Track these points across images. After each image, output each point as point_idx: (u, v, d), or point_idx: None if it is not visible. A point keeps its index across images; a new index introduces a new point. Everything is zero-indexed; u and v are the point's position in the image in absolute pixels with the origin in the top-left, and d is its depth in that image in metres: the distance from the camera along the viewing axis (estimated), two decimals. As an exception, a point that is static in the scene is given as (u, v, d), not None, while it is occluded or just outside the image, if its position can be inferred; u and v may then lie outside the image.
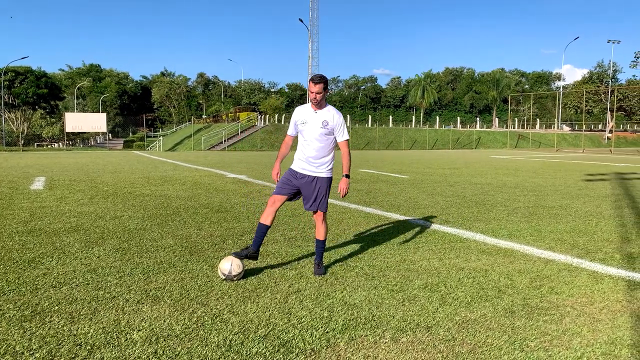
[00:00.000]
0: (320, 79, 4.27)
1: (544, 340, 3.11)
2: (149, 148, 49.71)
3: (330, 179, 4.54)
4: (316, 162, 4.44)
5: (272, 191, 4.56)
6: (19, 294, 3.82)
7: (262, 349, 2.95)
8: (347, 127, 4.59)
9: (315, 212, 4.53)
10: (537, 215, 7.69)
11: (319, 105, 4.36)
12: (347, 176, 4.50)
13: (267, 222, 4.42)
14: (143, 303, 3.65)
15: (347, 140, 4.51)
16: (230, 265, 4.18)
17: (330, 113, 4.39)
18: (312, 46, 46.56)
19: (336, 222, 6.88)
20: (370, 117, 71.85)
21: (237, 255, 4.30)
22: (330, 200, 8.99)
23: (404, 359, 2.85)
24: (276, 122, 57.28)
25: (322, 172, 4.47)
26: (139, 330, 3.16)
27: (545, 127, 77.74)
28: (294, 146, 4.70)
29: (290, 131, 4.57)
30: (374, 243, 5.68)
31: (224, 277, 4.20)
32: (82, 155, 29.90)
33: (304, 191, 4.49)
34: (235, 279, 4.19)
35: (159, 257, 4.94)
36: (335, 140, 4.49)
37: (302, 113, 4.46)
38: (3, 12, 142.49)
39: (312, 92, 4.28)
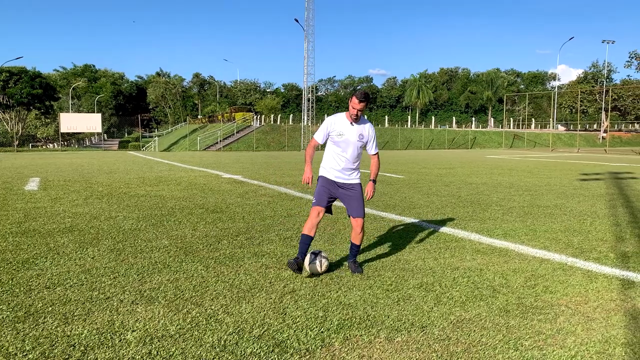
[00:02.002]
0: (365, 98, 4.37)
1: (538, 339, 3.11)
2: (144, 148, 49.58)
3: (361, 185, 4.66)
4: (350, 172, 4.59)
5: (313, 202, 4.58)
6: (13, 295, 3.80)
7: (257, 349, 2.94)
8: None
9: (355, 218, 4.60)
10: (532, 214, 7.71)
11: (357, 119, 4.49)
12: (374, 181, 4.72)
13: (312, 234, 4.52)
14: (137, 304, 3.64)
15: (378, 152, 4.73)
16: (319, 265, 4.36)
17: (366, 127, 4.57)
18: (307, 46, 46.51)
19: (331, 222, 6.88)
20: (366, 117, 71.81)
21: (296, 265, 4.39)
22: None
23: (399, 359, 2.85)
24: (272, 123, 57.24)
25: (356, 180, 4.63)
26: (133, 331, 3.15)
27: (541, 127, 78.00)
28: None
29: (321, 139, 4.61)
30: (370, 243, 5.68)
31: (321, 270, 4.37)
32: (77, 155, 29.79)
33: (347, 199, 4.58)
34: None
35: (153, 258, 4.93)
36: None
37: (339, 124, 4.53)
38: (3, 12, 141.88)
39: (355, 109, 4.38)
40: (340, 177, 4.57)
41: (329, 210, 4.65)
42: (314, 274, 4.37)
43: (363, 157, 4.70)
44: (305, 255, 4.45)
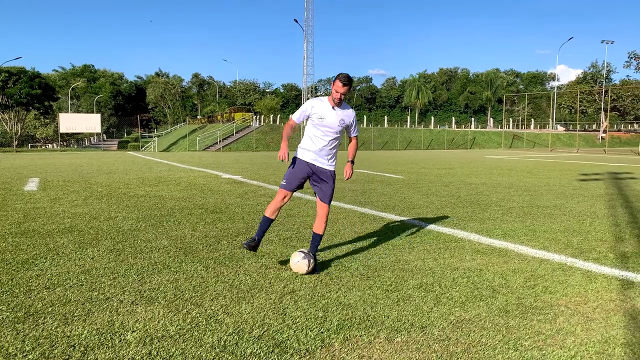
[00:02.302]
0: (349, 81, 4.38)
1: (538, 340, 3.12)
2: (143, 149, 49.55)
3: (335, 172, 4.68)
4: (328, 156, 4.60)
5: (281, 184, 4.62)
6: (12, 296, 3.80)
7: (257, 349, 2.94)
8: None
9: (323, 202, 4.62)
10: (532, 215, 7.71)
11: (340, 103, 4.50)
12: (352, 162, 4.75)
13: (273, 217, 4.59)
14: (137, 304, 3.64)
15: (357, 135, 4.78)
16: (303, 260, 4.36)
17: (348, 111, 4.58)
18: (307, 46, 46.57)
19: (331, 223, 6.88)
20: (365, 117, 71.98)
21: (249, 246, 4.50)
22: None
23: (399, 359, 2.85)
24: (271, 123, 57.23)
25: (331, 166, 4.64)
26: (133, 332, 3.15)
27: (540, 127, 78.08)
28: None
29: (299, 118, 4.58)
30: (369, 243, 5.68)
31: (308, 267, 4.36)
32: (77, 156, 29.77)
33: (319, 183, 4.59)
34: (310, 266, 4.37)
35: (153, 258, 4.92)
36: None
37: (320, 107, 4.51)
38: (2, 12, 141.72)
39: (338, 92, 4.38)
40: (317, 161, 4.57)
41: (296, 190, 4.68)
42: (296, 271, 4.41)
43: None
44: (263, 236, 4.58)
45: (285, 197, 4.58)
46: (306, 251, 4.48)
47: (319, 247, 5.04)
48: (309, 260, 4.37)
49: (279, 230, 6.35)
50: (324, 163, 4.59)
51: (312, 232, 4.74)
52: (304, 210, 7.96)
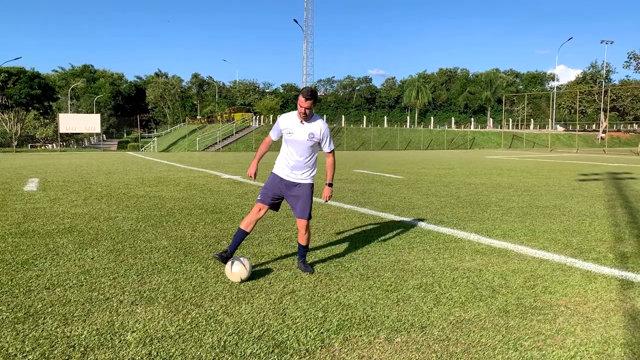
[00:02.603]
0: (311, 95, 4.28)
1: (537, 340, 3.12)
2: (143, 149, 49.55)
3: (312, 185, 4.61)
4: (302, 170, 4.53)
5: (257, 198, 4.61)
6: (12, 296, 3.80)
7: (257, 349, 2.94)
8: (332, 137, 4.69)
9: (299, 219, 4.56)
10: (531, 215, 7.72)
11: (307, 118, 4.40)
12: (330, 185, 4.68)
13: (248, 230, 4.53)
14: (137, 304, 3.64)
15: (333, 150, 4.63)
16: (239, 266, 4.20)
17: (318, 125, 4.46)
18: (306, 47, 46.56)
19: (331, 223, 6.88)
20: (365, 117, 71.98)
21: (221, 258, 4.40)
22: (323, 201, 9.00)
23: (399, 359, 2.85)
24: (271, 123, 57.21)
25: (306, 180, 4.56)
26: (133, 332, 3.15)
27: (540, 128, 78.10)
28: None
29: (274, 136, 4.61)
30: (369, 243, 5.68)
31: (246, 274, 4.21)
32: (76, 156, 29.76)
33: (292, 199, 4.56)
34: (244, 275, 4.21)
35: (153, 258, 4.93)
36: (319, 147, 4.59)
37: (289, 122, 4.48)
38: (2, 12, 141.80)
39: (302, 107, 4.30)
40: (290, 177, 4.54)
41: (275, 207, 4.67)
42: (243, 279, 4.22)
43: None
44: (235, 249, 4.51)
45: (260, 209, 4.54)
46: (241, 259, 4.28)
47: (311, 251, 5.04)
48: (243, 263, 4.20)
49: (279, 230, 6.35)
50: (297, 177, 4.52)
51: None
52: (304, 210, 7.96)
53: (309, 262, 4.79)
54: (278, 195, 4.59)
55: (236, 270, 4.17)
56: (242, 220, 4.57)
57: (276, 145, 4.76)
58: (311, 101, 4.28)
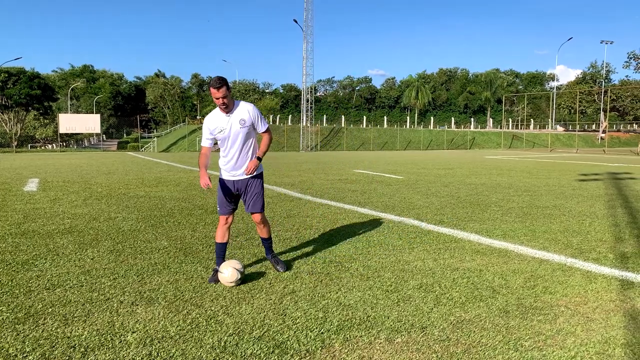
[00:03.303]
0: (220, 83, 4.01)
1: (538, 340, 3.12)
2: (143, 149, 49.55)
3: (261, 174, 4.52)
4: (245, 165, 4.37)
5: (218, 210, 4.46)
6: (12, 296, 3.80)
7: (257, 350, 2.94)
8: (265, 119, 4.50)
9: (253, 214, 4.49)
10: (531, 215, 7.72)
11: (228, 107, 4.17)
12: (259, 159, 4.40)
13: (225, 240, 4.43)
14: (137, 305, 3.64)
15: (268, 128, 4.45)
16: (233, 269, 4.10)
17: (244, 109, 4.27)
18: (306, 47, 46.49)
19: (331, 223, 6.88)
20: (364, 117, 72.02)
21: (214, 279, 4.22)
22: (325, 201, 9.02)
23: (399, 359, 2.85)
24: (271, 123, 57.24)
25: (255, 173, 4.44)
26: (133, 332, 3.15)
27: (539, 128, 78.16)
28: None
29: (207, 142, 4.33)
30: (369, 244, 5.68)
31: (239, 276, 4.09)
32: (76, 156, 29.76)
33: (244, 195, 4.45)
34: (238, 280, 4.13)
35: (153, 259, 4.92)
36: (255, 133, 4.42)
37: (216, 121, 4.25)
38: (2, 12, 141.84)
39: (218, 98, 4.05)
40: (237, 175, 4.37)
41: (235, 209, 4.52)
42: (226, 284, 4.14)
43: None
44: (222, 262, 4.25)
45: (227, 220, 4.41)
46: (224, 264, 4.19)
47: (311, 251, 5.02)
48: (233, 273, 4.08)
49: (279, 231, 6.35)
50: (242, 174, 4.37)
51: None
52: (304, 210, 7.96)
53: (310, 262, 4.80)
54: (234, 199, 4.45)
55: (227, 274, 4.07)
56: (215, 234, 4.44)
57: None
58: (223, 89, 4.01)
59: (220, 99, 4.06)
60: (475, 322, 3.38)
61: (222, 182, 4.43)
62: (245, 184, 4.42)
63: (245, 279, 4.26)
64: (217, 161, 4.49)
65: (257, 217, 4.50)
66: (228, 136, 4.27)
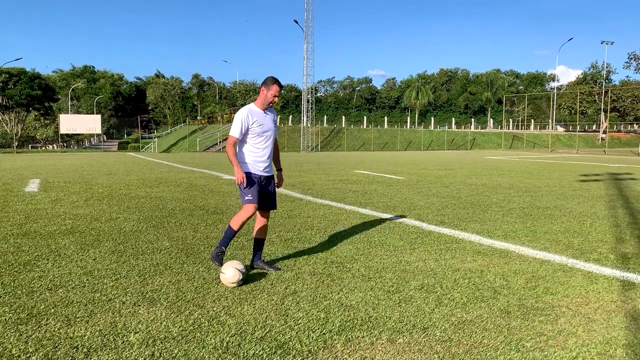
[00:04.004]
0: (280, 84, 4.46)
1: (539, 341, 3.12)
2: (143, 149, 49.56)
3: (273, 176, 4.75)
4: (270, 161, 4.65)
5: (249, 199, 4.40)
6: (15, 297, 3.80)
7: (259, 350, 2.95)
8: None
9: (267, 210, 4.68)
10: (532, 216, 7.72)
11: (271, 106, 4.54)
12: (281, 169, 4.97)
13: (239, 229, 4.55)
14: (139, 305, 3.65)
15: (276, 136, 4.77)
16: (235, 269, 4.11)
17: (274, 112, 4.65)
18: (307, 47, 46.50)
19: (332, 224, 6.89)
20: (365, 118, 72.03)
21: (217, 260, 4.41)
22: (325, 202, 9.03)
23: (401, 360, 2.86)
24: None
25: (272, 171, 4.68)
26: (135, 333, 3.16)
27: (540, 128, 78.14)
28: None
29: (240, 134, 4.42)
30: (370, 244, 5.69)
31: (241, 277, 4.10)
32: (77, 157, 29.78)
33: (267, 193, 4.59)
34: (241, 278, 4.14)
35: (154, 259, 4.93)
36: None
37: (256, 115, 4.46)
38: (3, 13, 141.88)
39: (276, 96, 4.43)
40: (267, 170, 4.57)
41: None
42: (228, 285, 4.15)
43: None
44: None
45: (254, 212, 4.46)
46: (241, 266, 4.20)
47: (313, 252, 5.05)
48: (235, 273, 4.10)
49: (280, 231, 6.36)
50: (270, 171, 4.62)
51: (254, 238, 4.71)
52: (305, 211, 7.97)
53: (311, 263, 4.82)
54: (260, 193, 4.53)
55: (229, 274, 4.06)
56: (236, 223, 4.43)
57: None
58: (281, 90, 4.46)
59: (276, 98, 4.46)
60: (477, 323, 3.39)
61: (252, 175, 4.51)
62: (270, 181, 4.62)
63: (246, 279, 4.27)
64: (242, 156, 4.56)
65: (268, 214, 4.70)
66: (265, 131, 4.49)
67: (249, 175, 4.47)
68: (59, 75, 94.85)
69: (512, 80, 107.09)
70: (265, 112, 4.50)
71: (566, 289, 4.16)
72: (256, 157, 4.51)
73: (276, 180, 4.77)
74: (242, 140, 4.51)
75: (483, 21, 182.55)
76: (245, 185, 4.39)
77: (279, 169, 4.88)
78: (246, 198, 4.42)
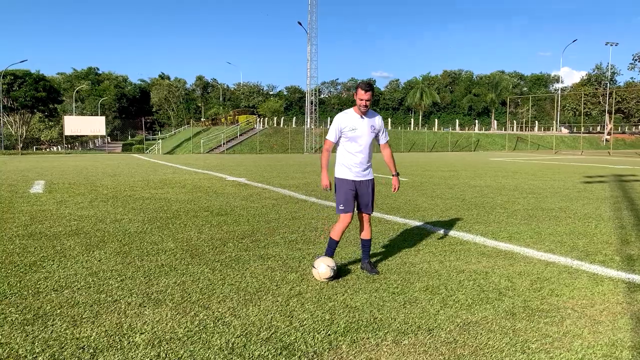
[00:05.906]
0: (370, 87, 4.38)
1: (545, 342, 3.12)
2: (147, 151, 49.68)
3: (374, 181, 4.73)
4: (367, 166, 4.61)
5: (341, 209, 4.52)
6: (21, 298, 3.82)
7: (265, 352, 2.95)
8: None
9: (367, 214, 4.68)
10: (537, 217, 7.70)
11: (366, 110, 4.48)
12: (398, 174, 4.85)
13: (339, 239, 4.61)
14: (145, 306, 3.66)
15: (388, 141, 4.77)
16: (326, 266, 4.29)
17: (376, 118, 4.60)
18: (310, 49, 46.52)
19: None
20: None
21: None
22: (329, 203, 9.02)
23: (406, 362, 2.86)
24: (275, 125, 57.32)
25: (371, 175, 4.67)
26: (141, 334, 3.17)
27: (544, 130, 77.87)
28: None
29: (335, 138, 4.54)
30: (375, 246, 5.69)
31: (332, 274, 4.28)
32: (81, 158, 29.89)
33: (363, 197, 4.60)
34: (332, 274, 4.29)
35: (159, 261, 4.95)
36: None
37: (350, 120, 4.49)
38: (7, 15, 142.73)
39: (363, 100, 4.38)
40: (360, 175, 4.57)
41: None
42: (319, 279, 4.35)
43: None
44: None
45: (351, 218, 4.55)
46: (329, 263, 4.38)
47: (316, 253, 5.03)
48: (327, 269, 4.31)
49: (284, 232, 6.37)
50: (367, 175, 4.61)
51: (360, 239, 4.80)
52: (309, 212, 7.98)
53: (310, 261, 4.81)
54: (354, 199, 4.59)
55: (322, 269, 4.27)
56: (333, 231, 4.55)
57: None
58: (370, 93, 4.36)
59: (364, 101, 4.39)
60: (482, 324, 3.39)
61: (344, 181, 4.55)
62: (366, 185, 4.60)
63: (252, 281, 4.28)
64: (335, 162, 4.62)
65: (368, 217, 4.70)
66: (360, 136, 4.48)
67: (339, 180, 4.57)
68: (64, 77, 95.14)
69: (516, 82, 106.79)
70: (362, 117, 4.49)
71: (571, 290, 4.15)
72: (349, 161, 4.55)
73: (392, 185, 4.83)
74: (339, 144, 4.60)
75: (486, 22, 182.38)
76: (333, 191, 4.59)
77: (394, 174, 4.80)
78: (339, 208, 4.55)
